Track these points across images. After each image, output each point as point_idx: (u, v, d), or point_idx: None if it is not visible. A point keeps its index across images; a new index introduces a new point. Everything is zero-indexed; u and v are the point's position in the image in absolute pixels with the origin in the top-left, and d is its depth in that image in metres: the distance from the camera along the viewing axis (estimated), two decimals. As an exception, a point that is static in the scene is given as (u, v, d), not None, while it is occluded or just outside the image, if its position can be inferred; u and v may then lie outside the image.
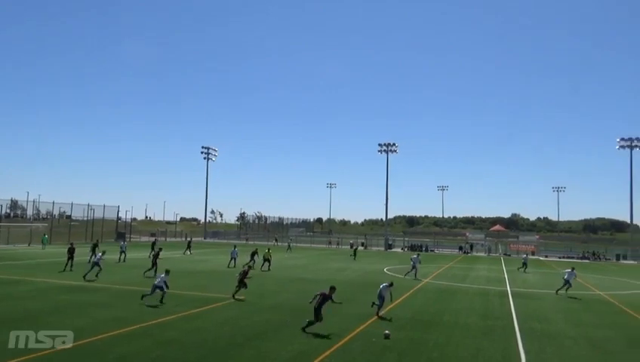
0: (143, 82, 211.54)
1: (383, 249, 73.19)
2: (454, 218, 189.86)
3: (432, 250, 72.28)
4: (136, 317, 14.88)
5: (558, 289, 25.28)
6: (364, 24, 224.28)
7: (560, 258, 64.26)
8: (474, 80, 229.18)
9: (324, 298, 14.06)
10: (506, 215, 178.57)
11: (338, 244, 78.08)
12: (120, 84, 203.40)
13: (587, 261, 61.18)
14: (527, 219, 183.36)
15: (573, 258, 63.09)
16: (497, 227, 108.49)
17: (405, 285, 26.58)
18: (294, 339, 13.03)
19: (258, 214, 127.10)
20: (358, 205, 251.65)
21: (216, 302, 18.62)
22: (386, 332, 13.75)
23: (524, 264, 39.47)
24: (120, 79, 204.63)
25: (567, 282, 24.83)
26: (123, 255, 33.51)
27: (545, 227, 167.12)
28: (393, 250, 72.67)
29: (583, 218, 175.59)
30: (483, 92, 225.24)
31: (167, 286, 17.42)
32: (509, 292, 25.87)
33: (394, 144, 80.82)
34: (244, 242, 73.30)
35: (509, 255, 66.69)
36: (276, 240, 77.74)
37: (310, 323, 13.74)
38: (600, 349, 13.68)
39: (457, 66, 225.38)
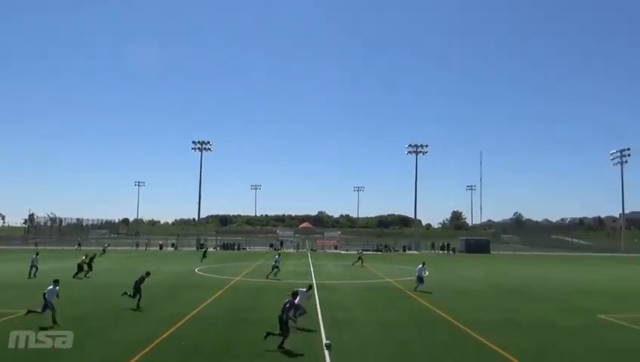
0: None
1: (194, 249, 71.66)
2: (266, 216, 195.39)
3: (244, 248, 73.29)
4: None
5: (417, 287, 25.46)
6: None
7: (358, 251, 71.02)
8: (276, 80, 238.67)
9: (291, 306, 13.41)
10: (314, 213, 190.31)
11: (147, 246, 73.82)
12: None
13: (380, 252, 68.93)
14: (332, 217, 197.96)
15: (369, 251, 70.09)
16: (305, 224, 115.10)
17: (214, 284, 26.45)
18: (102, 346, 11.94)
19: (51, 215, 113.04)
20: (169, 205, 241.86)
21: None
22: (327, 342, 13.11)
23: (360, 258, 43.00)
24: None
25: (419, 278, 25.36)
26: None
27: (347, 223, 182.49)
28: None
29: (377, 214, 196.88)
30: (288, 92, 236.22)
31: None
32: (315, 284, 27.58)
33: (208, 142, 79.74)
34: (34, 247, 64.37)
35: (315, 250, 71.50)
36: (79, 244, 69.78)
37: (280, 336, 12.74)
38: (389, 329, 15.49)
39: (261, 65, 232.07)
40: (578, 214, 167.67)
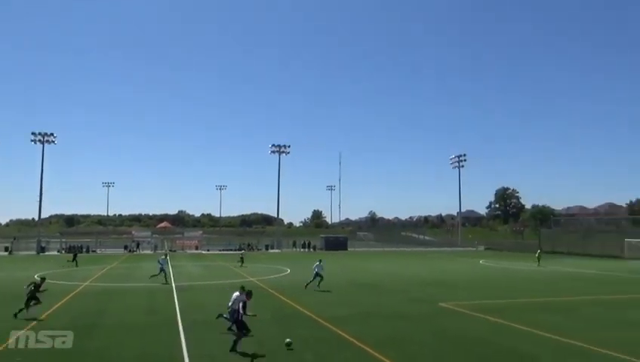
0: None
1: (34, 253, 64.23)
2: (120, 216, 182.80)
3: (95, 251, 67.65)
4: None
5: (308, 283, 25.45)
6: None
7: (220, 251, 69.89)
8: (134, 70, 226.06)
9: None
10: (173, 212, 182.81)
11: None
12: None
13: (242, 251, 68.54)
14: (193, 216, 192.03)
15: (231, 250, 69.36)
16: (164, 224, 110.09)
17: (60, 291, 23.96)
18: None
19: None
20: (3, 203, 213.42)
21: None
22: (288, 340, 12.93)
23: (242, 259, 42.43)
24: None
25: (317, 274, 25.39)
26: None
27: (208, 223, 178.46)
28: (48, 253, 64.52)
29: (240, 213, 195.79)
30: (143, 85, 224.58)
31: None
32: (174, 286, 26.46)
33: (52, 134, 71.93)
34: None
35: (175, 251, 68.61)
36: None
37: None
38: (251, 327, 15.39)
39: (107, 66, 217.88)
40: (424, 213, 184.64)
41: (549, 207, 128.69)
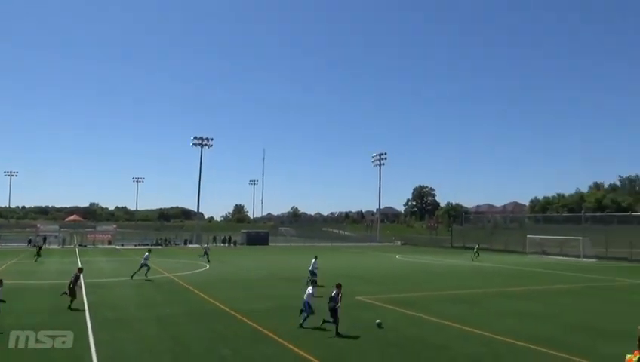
0: None
1: None
2: (24, 208, 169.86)
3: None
4: None
5: (134, 274, 26.46)
6: None
7: (136, 245, 67.01)
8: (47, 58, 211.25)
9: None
10: (84, 204, 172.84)
11: None
12: None
13: (160, 247, 66.27)
14: (106, 209, 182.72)
15: (147, 245, 66.78)
16: (74, 217, 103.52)
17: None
18: None
19: None
20: None
21: None
22: (378, 321, 14.91)
23: (206, 253, 40.81)
24: None
25: (143, 265, 26.17)
26: None
27: (123, 216, 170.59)
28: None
29: (158, 207, 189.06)
30: (58, 72, 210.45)
31: None
32: (83, 283, 25.02)
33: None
34: None
35: (85, 246, 64.90)
36: None
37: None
38: (165, 325, 15.03)
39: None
40: (345, 209, 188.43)
41: (461, 205, 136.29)
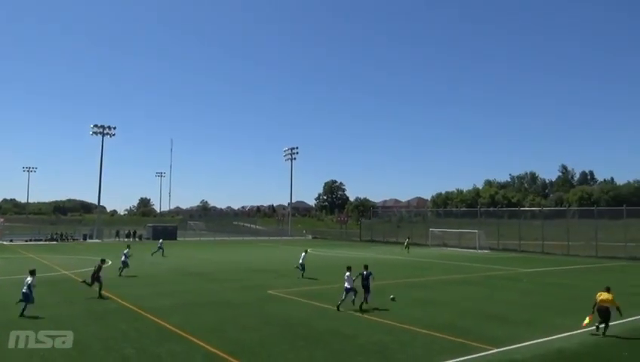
0: None
1: None
2: None
3: None
4: None
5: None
6: None
7: (27, 241, 61.73)
8: None
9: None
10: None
11: None
12: None
13: (55, 242, 61.59)
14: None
15: (41, 240, 61.85)
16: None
17: None
18: None
19: None
20: None
21: None
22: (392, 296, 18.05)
23: (160, 248, 39.15)
24: None
25: (124, 263, 25.91)
26: None
27: (12, 209, 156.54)
28: None
29: (54, 199, 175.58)
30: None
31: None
32: (-36, 283, 22.63)
33: None
34: None
35: (-33, 242, 58.64)
36: None
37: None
38: (64, 326, 13.96)
39: None
40: (256, 203, 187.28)
41: (369, 200, 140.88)
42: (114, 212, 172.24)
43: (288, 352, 11.64)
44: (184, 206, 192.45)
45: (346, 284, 17.04)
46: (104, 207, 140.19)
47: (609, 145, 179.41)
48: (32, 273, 15.73)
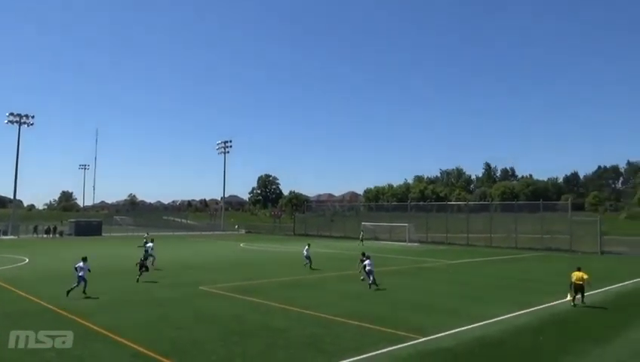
0: None
1: None
2: None
3: None
4: None
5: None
6: None
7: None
8: None
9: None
10: None
11: None
12: None
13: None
14: None
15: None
16: None
17: None
18: None
19: None
20: None
21: None
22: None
23: (145, 247, 35.85)
24: None
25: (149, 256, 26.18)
26: None
27: None
28: None
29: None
30: None
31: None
32: None
33: None
34: None
35: None
36: None
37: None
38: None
39: None
40: (188, 197, 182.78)
41: (303, 194, 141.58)
42: (32, 206, 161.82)
43: (221, 348, 11.48)
44: (110, 200, 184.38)
45: (368, 268, 20.75)
46: (21, 202, 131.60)
47: (529, 143, 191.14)
48: (85, 259, 18.50)
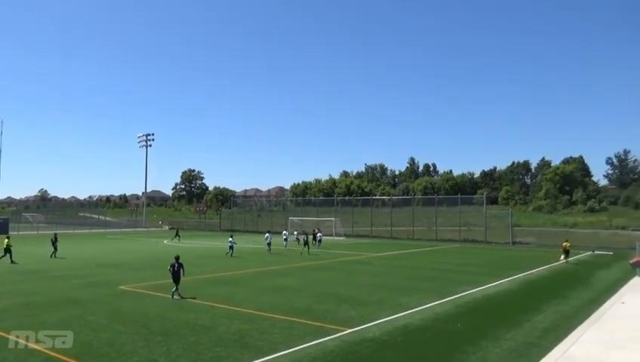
0: None
1: None
2: None
3: None
4: None
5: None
6: None
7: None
8: None
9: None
10: None
11: None
12: None
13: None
14: None
15: None
16: None
17: None
18: None
19: None
20: None
21: None
22: None
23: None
24: None
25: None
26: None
27: None
28: None
29: None
30: None
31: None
32: None
33: None
34: None
35: None
36: None
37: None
38: None
39: None
40: (106, 192, 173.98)
41: (228, 189, 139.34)
42: None
43: (142, 349, 10.99)
44: (18, 196, 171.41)
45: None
46: None
47: (449, 139, 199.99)
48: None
